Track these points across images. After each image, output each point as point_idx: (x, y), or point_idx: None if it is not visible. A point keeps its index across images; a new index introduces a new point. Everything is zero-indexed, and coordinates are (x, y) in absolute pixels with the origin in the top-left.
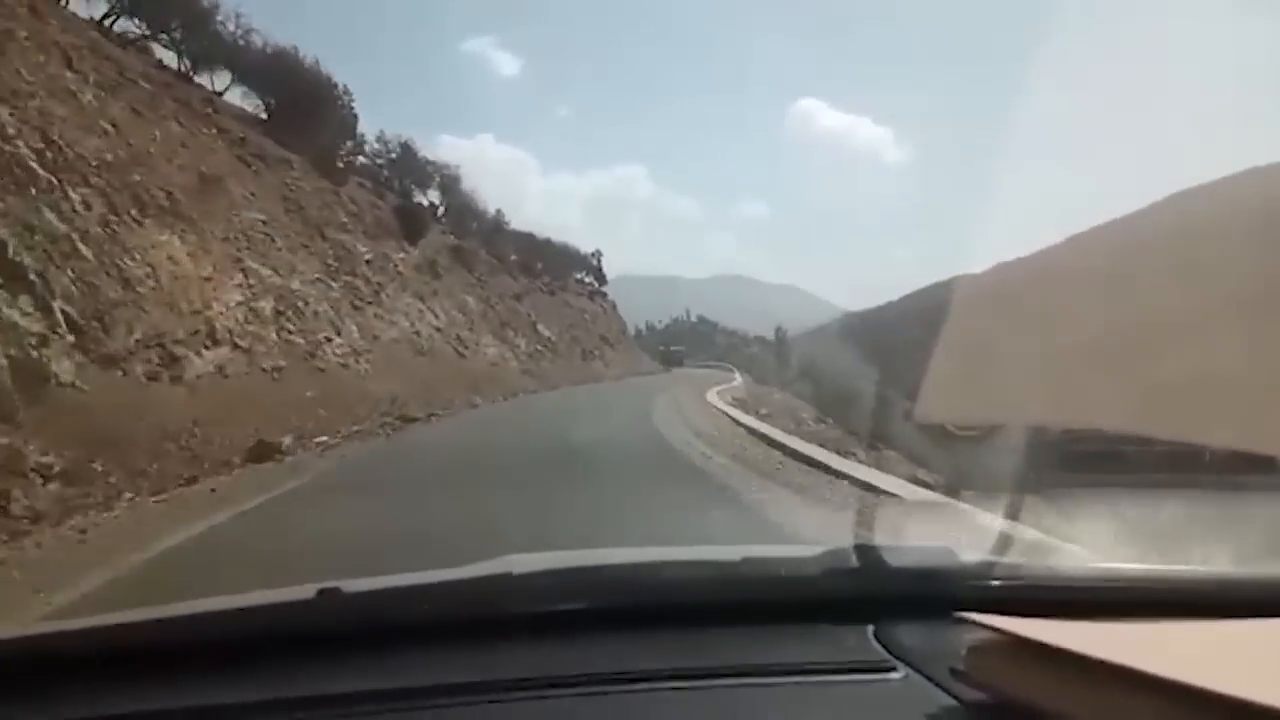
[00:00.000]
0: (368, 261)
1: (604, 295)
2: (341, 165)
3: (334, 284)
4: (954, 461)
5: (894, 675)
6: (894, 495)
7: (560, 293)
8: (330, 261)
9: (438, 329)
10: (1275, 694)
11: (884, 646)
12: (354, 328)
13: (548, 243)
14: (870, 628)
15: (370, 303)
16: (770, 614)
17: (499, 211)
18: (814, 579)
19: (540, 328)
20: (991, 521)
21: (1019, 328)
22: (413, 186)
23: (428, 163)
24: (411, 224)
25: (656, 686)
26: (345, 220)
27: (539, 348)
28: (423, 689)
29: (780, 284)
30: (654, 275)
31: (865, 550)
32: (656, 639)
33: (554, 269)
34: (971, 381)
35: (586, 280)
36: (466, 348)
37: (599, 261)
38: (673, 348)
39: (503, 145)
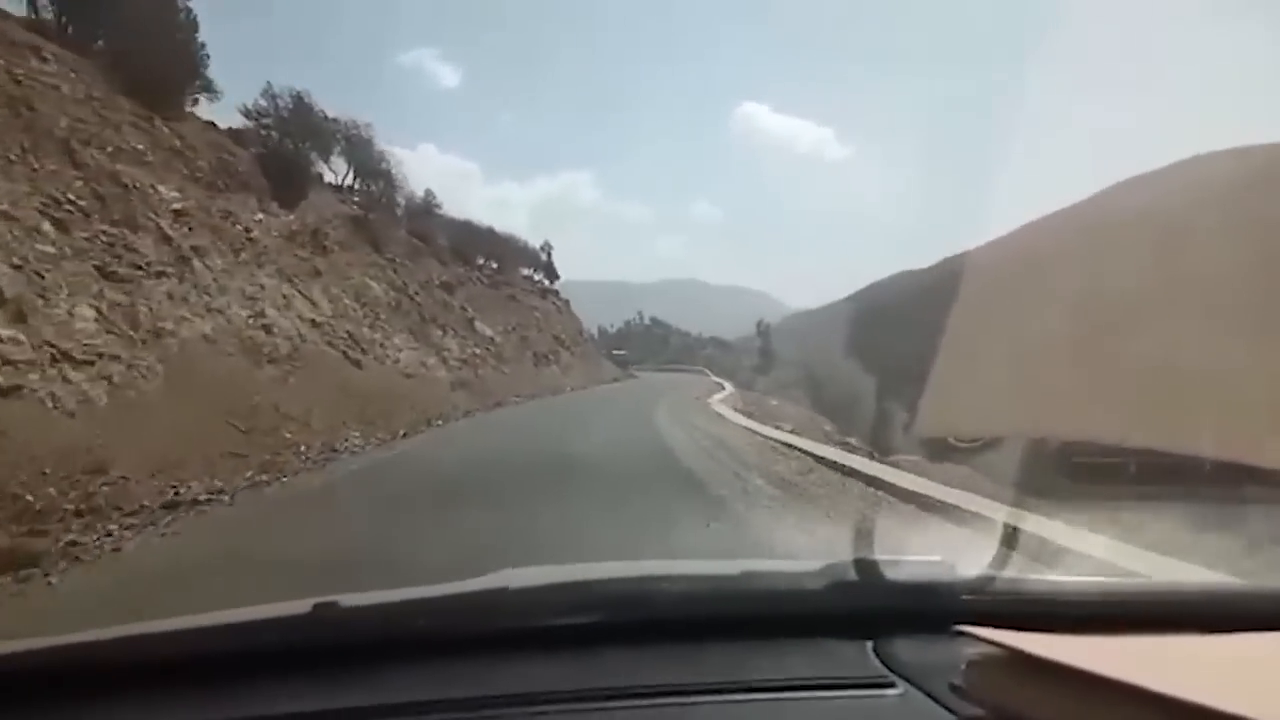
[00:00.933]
0: (176, 213)
1: (556, 294)
2: (189, 108)
3: (69, 236)
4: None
5: (893, 691)
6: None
7: (505, 286)
8: (69, 195)
9: (313, 322)
10: (1274, 709)
11: (883, 661)
12: (89, 313)
13: (490, 232)
14: (869, 643)
15: (164, 274)
16: (769, 629)
17: (430, 193)
18: (813, 594)
19: (480, 325)
20: (990, 534)
21: (969, 322)
22: (310, 150)
23: (327, 119)
24: (284, 181)
25: (655, 702)
26: (142, 150)
27: (477, 351)
28: (419, 704)
29: (731, 285)
30: (604, 280)
31: (864, 564)
32: (655, 654)
33: (498, 261)
34: (964, 384)
35: (536, 278)
36: (364, 351)
37: (549, 255)
38: (615, 351)
39: (447, 155)
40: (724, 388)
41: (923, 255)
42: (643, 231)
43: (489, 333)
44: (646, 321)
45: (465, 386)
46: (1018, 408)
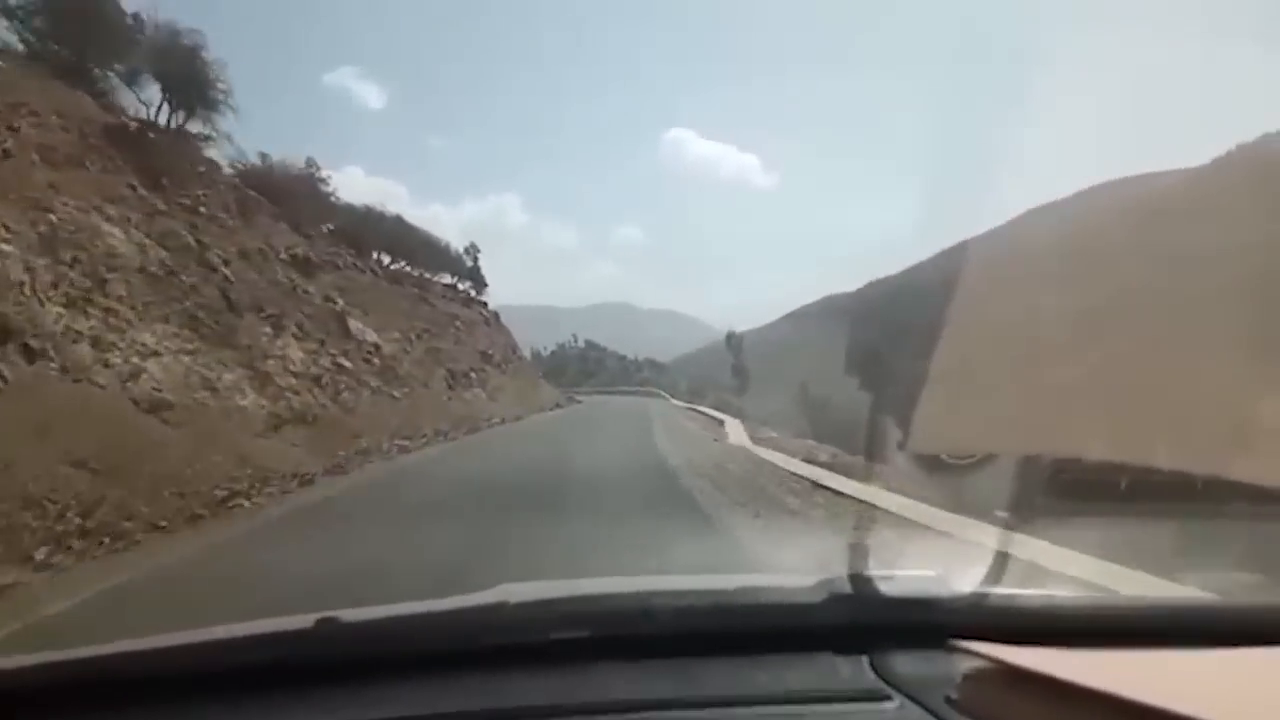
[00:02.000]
0: None
1: (484, 304)
2: None
3: None
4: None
5: (889, 704)
6: None
7: (413, 286)
8: None
9: None
10: None
11: (879, 675)
12: None
13: (398, 220)
14: (865, 656)
15: None
16: (765, 643)
17: (312, 161)
18: (809, 608)
19: (358, 327)
20: (985, 549)
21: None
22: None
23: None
24: None
25: (654, 716)
26: None
27: (345, 364)
28: (420, 718)
29: (661, 309)
30: (533, 304)
31: (859, 579)
32: (653, 668)
33: (408, 258)
34: (955, 403)
35: (460, 287)
36: (53, 350)
37: (475, 260)
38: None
39: (373, 178)
40: (705, 414)
41: (849, 279)
42: (572, 255)
43: (372, 338)
44: (581, 344)
45: (304, 423)
46: (1004, 427)
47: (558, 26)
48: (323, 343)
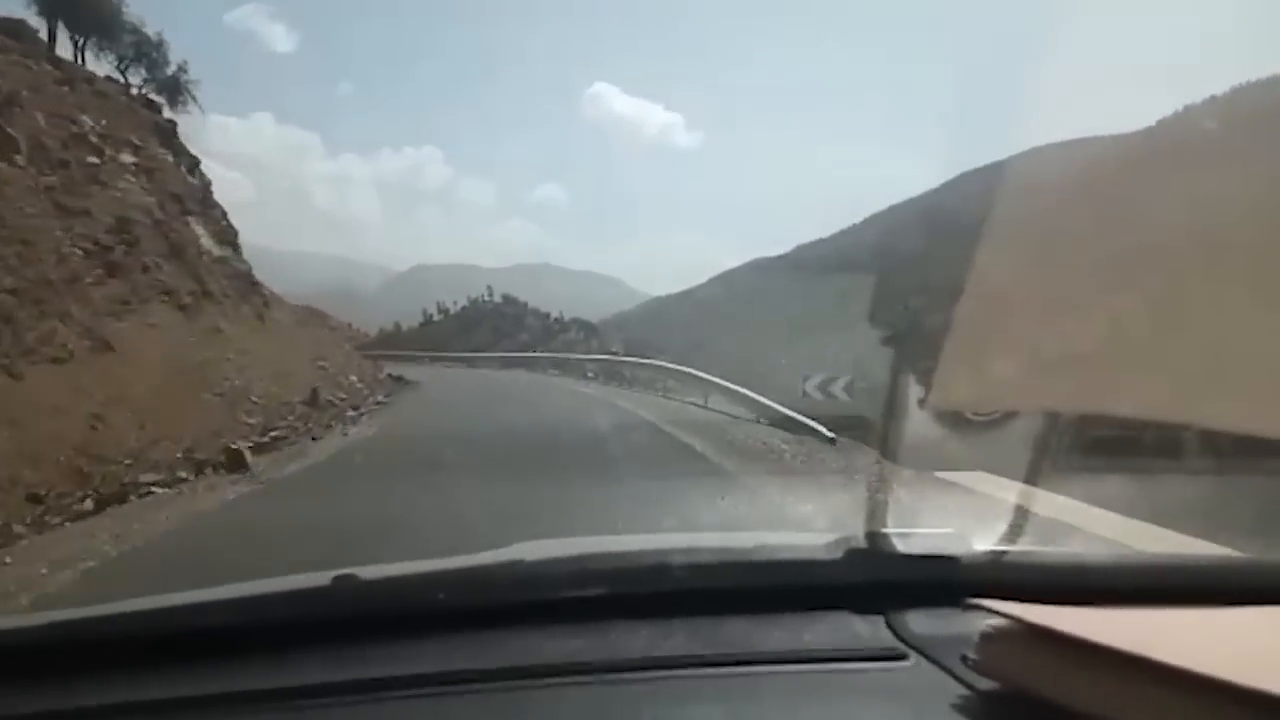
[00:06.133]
0: None
1: (173, 133)
2: None
3: None
4: None
5: (905, 663)
6: None
7: None
8: None
9: None
10: None
11: (895, 634)
12: None
13: None
14: (881, 615)
15: None
16: (782, 601)
17: None
18: (825, 566)
19: None
20: (1004, 505)
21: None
22: None
23: None
24: None
25: (669, 674)
26: None
27: None
28: (437, 675)
29: (587, 270)
30: (453, 264)
31: (876, 537)
32: (669, 626)
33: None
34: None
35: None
36: None
37: (161, 44)
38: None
39: (284, 125)
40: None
41: (777, 244)
42: (492, 214)
43: None
44: (497, 299)
45: None
46: (1025, 383)
47: None
48: None
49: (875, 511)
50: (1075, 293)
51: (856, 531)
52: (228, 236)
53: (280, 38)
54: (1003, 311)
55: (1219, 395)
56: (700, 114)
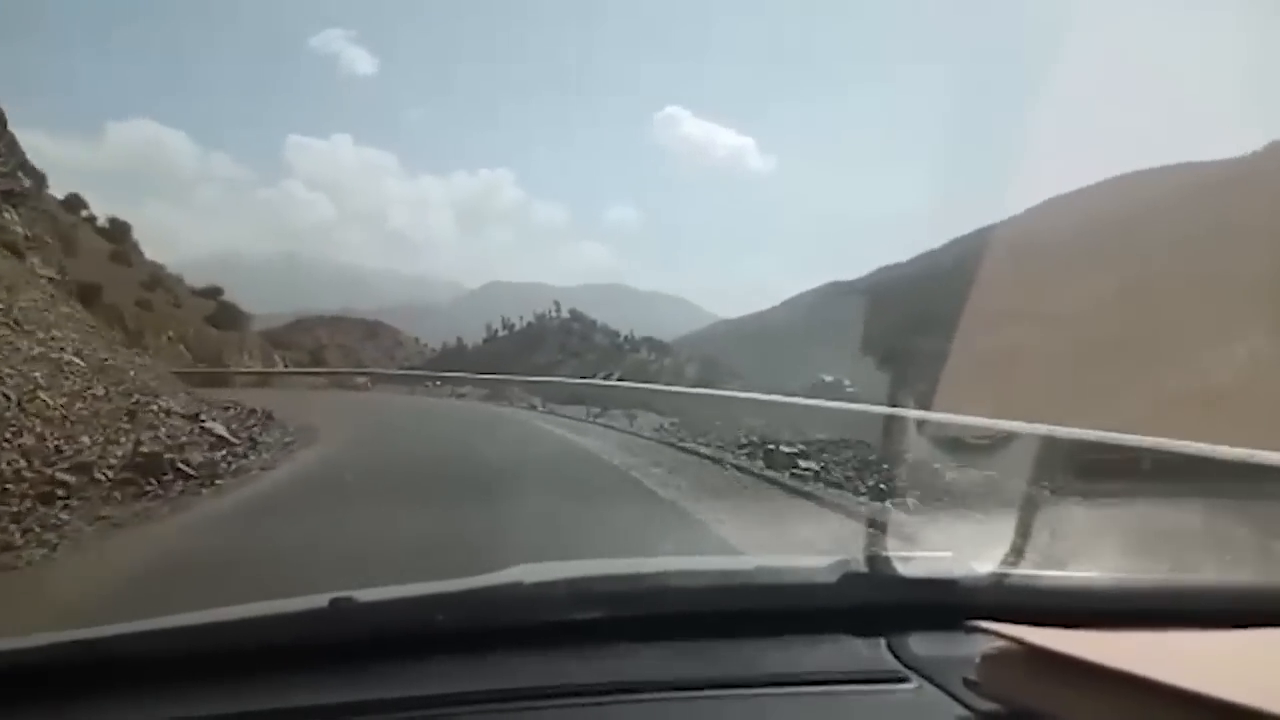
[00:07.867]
0: None
1: None
2: None
3: None
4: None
5: (907, 686)
6: None
7: None
8: None
9: None
10: None
11: (896, 656)
12: None
13: None
14: (882, 638)
15: None
16: (783, 624)
17: None
18: (826, 589)
19: None
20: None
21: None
22: None
23: None
24: None
25: (670, 696)
26: None
27: None
28: (435, 698)
29: (657, 291)
30: (524, 282)
31: (877, 560)
32: (670, 649)
33: None
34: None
35: None
36: None
37: None
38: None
39: (362, 147)
40: None
41: (854, 266)
42: (563, 234)
43: None
44: (564, 315)
45: None
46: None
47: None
48: None
49: (876, 534)
50: (1158, 319)
51: (857, 554)
52: None
53: (362, 60)
54: (1091, 337)
55: (1219, 418)
56: (774, 139)
